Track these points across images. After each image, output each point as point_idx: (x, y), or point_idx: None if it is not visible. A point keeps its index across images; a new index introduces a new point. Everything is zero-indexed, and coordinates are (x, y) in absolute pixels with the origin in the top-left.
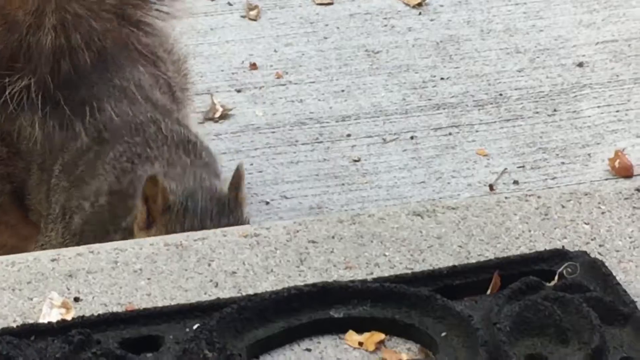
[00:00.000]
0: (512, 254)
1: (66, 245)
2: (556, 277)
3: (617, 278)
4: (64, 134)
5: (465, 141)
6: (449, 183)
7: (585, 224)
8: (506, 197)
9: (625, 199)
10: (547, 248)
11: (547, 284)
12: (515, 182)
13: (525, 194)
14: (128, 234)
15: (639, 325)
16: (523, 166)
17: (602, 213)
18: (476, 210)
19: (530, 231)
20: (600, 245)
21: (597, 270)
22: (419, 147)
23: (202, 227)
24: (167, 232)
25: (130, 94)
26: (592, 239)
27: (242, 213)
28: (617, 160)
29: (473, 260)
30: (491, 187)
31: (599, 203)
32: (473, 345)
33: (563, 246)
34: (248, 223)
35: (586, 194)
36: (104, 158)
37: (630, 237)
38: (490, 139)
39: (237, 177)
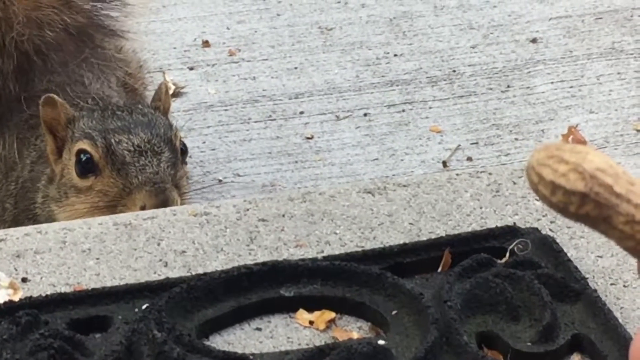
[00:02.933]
0: (463, 231)
1: None
2: (507, 254)
3: (569, 254)
4: None
5: (418, 118)
6: (402, 160)
7: (537, 200)
8: (457, 174)
9: None
10: (498, 225)
11: (498, 261)
12: (469, 159)
13: (477, 171)
14: (48, 185)
15: (590, 301)
16: (476, 143)
17: None
18: (427, 187)
19: (481, 208)
20: (551, 222)
21: (548, 246)
22: (372, 124)
23: (115, 117)
24: (69, 132)
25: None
26: (543, 216)
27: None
28: (571, 137)
29: (424, 238)
30: (444, 163)
31: None
32: (424, 323)
33: (514, 223)
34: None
35: None
36: (28, 139)
37: None
38: (443, 116)
39: (163, 92)
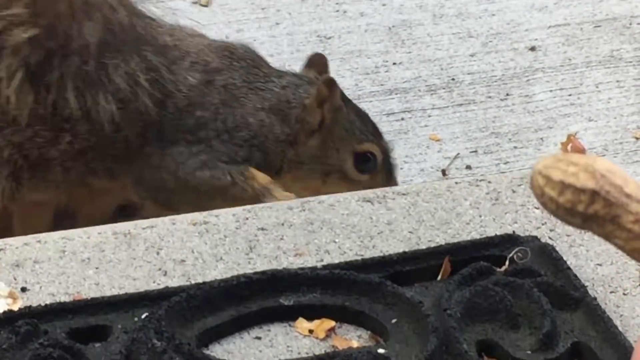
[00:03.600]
0: (462, 240)
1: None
2: (507, 262)
3: (568, 262)
4: None
5: (417, 126)
6: (401, 168)
7: (536, 208)
8: (456, 182)
9: None
10: (498, 233)
11: (498, 269)
12: (468, 167)
13: (476, 179)
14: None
15: (590, 309)
16: (476, 151)
17: None
18: (427, 196)
19: (480, 216)
20: (550, 230)
21: (547, 255)
22: None
23: (365, 117)
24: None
25: None
26: (542, 224)
27: None
28: (570, 144)
29: (423, 246)
30: (444, 172)
31: None
32: (424, 332)
33: (514, 231)
34: None
35: None
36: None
37: None
38: (442, 124)
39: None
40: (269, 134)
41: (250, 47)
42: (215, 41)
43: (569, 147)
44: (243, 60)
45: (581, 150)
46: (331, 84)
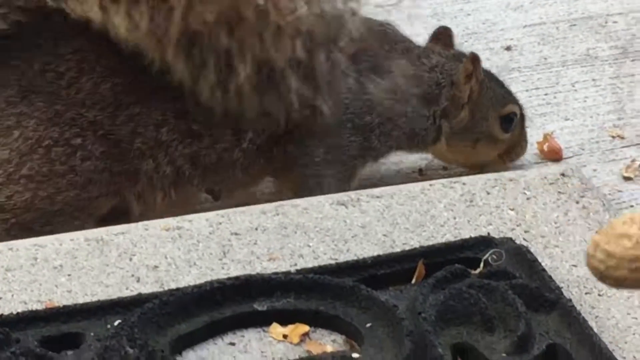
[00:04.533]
0: (437, 242)
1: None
2: (481, 265)
3: (543, 264)
4: None
5: None
6: (377, 170)
7: (511, 209)
8: (431, 184)
9: (551, 184)
10: (472, 235)
11: (473, 272)
12: (444, 168)
13: (450, 181)
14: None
15: (565, 311)
16: None
17: (527, 199)
18: (401, 199)
19: (455, 218)
20: (525, 231)
21: (522, 256)
22: None
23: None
24: (485, 91)
25: None
26: (517, 225)
27: None
28: (546, 144)
29: (398, 249)
30: (421, 171)
31: (524, 188)
32: (398, 336)
33: (488, 233)
34: None
35: (511, 180)
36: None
37: (555, 223)
38: None
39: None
40: (419, 119)
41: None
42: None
43: (545, 147)
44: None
45: (558, 150)
46: (475, 60)
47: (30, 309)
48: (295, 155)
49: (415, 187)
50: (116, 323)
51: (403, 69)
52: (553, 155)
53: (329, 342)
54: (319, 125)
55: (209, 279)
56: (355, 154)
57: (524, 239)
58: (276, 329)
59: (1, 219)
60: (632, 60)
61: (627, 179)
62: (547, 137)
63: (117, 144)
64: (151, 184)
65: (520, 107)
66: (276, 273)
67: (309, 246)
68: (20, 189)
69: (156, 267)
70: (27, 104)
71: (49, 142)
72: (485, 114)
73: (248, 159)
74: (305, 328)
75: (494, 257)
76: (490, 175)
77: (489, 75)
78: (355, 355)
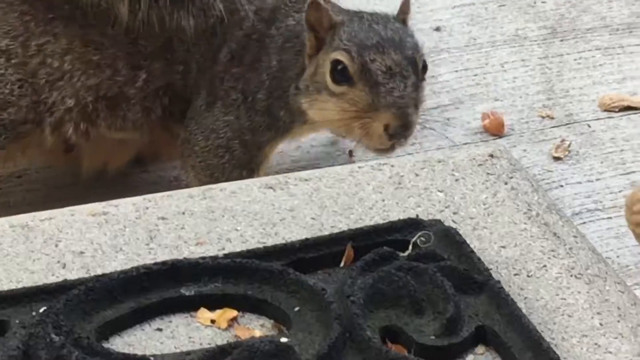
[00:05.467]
0: (365, 225)
1: (254, 126)
2: (410, 247)
3: (472, 246)
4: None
5: None
6: (308, 152)
7: (439, 191)
8: (359, 167)
9: (479, 165)
10: (401, 217)
11: (401, 254)
12: None
13: (379, 163)
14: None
15: (494, 293)
16: None
17: (456, 180)
18: (329, 181)
19: (383, 201)
20: (454, 213)
21: (450, 238)
22: None
23: (369, 26)
24: (333, 39)
25: None
26: (446, 207)
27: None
28: (488, 119)
29: (326, 233)
30: (350, 153)
31: (453, 170)
32: (327, 319)
33: (417, 215)
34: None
35: (439, 161)
36: (269, 34)
37: (484, 204)
38: None
39: (406, 5)
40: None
41: None
42: None
43: (488, 122)
44: None
45: (502, 124)
46: (316, 6)
47: None
48: (182, 141)
49: (343, 169)
50: (41, 310)
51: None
52: (498, 129)
53: (257, 326)
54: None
55: (135, 264)
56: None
57: (453, 221)
58: (204, 314)
59: None
60: (561, 41)
61: (556, 159)
62: (491, 112)
63: (31, 74)
64: (62, 116)
65: (365, 64)
66: (204, 257)
67: (237, 230)
68: None
69: (82, 252)
70: None
71: None
72: (321, 60)
73: (146, 101)
74: (233, 313)
75: (423, 239)
76: (419, 157)
77: (364, 25)
78: (283, 339)
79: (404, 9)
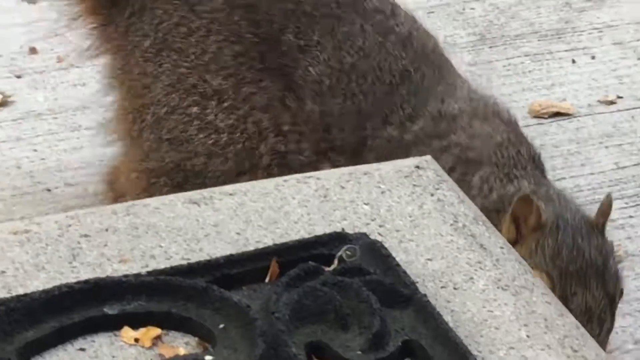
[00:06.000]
0: (291, 239)
1: None
2: (335, 261)
3: (398, 259)
4: None
5: None
6: None
7: (365, 204)
8: (285, 180)
9: (405, 176)
10: (327, 231)
11: (327, 269)
12: None
13: (304, 176)
14: None
15: (420, 306)
16: None
17: (382, 192)
18: (254, 195)
19: (309, 214)
20: (380, 226)
21: (376, 252)
22: None
23: (572, 242)
24: (536, 250)
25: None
26: (372, 220)
27: (607, 238)
28: None
29: (251, 248)
30: None
31: (379, 182)
32: (251, 336)
33: (343, 228)
34: (612, 246)
35: (365, 174)
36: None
37: (410, 216)
38: None
39: (607, 206)
40: None
41: None
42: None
43: None
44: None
45: None
46: (527, 202)
47: None
48: None
49: (268, 183)
50: None
51: None
52: None
53: (181, 344)
54: None
55: (58, 283)
56: None
57: (379, 234)
58: (128, 333)
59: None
60: (490, 47)
61: None
62: None
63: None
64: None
65: (565, 295)
66: (127, 275)
67: (161, 246)
68: (165, 149)
69: (3, 272)
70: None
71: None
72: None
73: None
74: (157, 331)
75: (348, 253)
76: (345, 170)
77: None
78: (208, 357)
79: (605, 211)
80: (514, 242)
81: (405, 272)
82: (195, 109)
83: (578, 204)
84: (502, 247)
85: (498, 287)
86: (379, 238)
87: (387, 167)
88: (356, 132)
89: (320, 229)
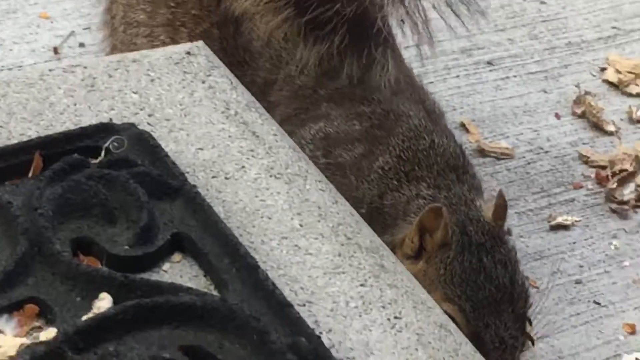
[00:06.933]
0: (56, 131)
1: None
2: (102, 153)
3: (168, 149)
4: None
5: (27, 4)
6: (11, 50)
7: (134, 93)
8: (50, 70)
9: (176, 63)
10: (95, 122)
11: (93, 162)
12: (82, 45)
13: (71, 65)
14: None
15: (190, 198)
16: (89, 27)
17: (152, 80)
18: (18, 86)
19: (75, 105)
20: (149, 115)
21: (144, 142)
22: None
23: (479, 264)
24: (440, 269)
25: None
26: (141, 109)
27: (509, 243)
28: None
29: (15, 141)
30: (55, 50)
31: (148, 70)
32: (13, 234)
33: (110, 119)
34: (515, 252)
35: (134, 61)
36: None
37: (181, 104)
38: (52, 2)
39: (502, 208)
40: None
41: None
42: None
43: None
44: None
45: None
46: (437, 213)
47: None
48: None
49: (33, 72)
50: None
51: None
52: None
53: None
54: None
55: None
56: None
57: (148, 123)
58: None
59: None
60: None
61: None
62: None
63: None
64: None
65: (475, 335)
66: None
67: None
68: None
69: None
70: None
71: None
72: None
73: None
74: None
75: (115, 144)
76: (113, 57)
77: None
78: None
79: (501, 213)
80: (416, 254)
81: (174, 163)
82: None
83: (478, 205)
84: (275, 135)
85: (271, 176)
86: (148, 128)
87: (157, 54)
88: None
89: (87, 120)
